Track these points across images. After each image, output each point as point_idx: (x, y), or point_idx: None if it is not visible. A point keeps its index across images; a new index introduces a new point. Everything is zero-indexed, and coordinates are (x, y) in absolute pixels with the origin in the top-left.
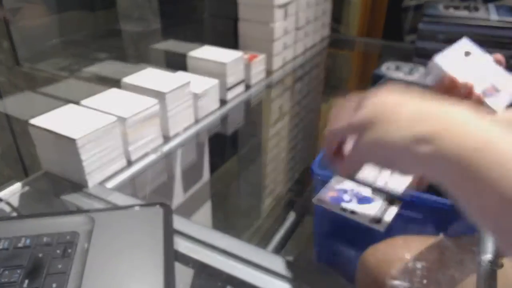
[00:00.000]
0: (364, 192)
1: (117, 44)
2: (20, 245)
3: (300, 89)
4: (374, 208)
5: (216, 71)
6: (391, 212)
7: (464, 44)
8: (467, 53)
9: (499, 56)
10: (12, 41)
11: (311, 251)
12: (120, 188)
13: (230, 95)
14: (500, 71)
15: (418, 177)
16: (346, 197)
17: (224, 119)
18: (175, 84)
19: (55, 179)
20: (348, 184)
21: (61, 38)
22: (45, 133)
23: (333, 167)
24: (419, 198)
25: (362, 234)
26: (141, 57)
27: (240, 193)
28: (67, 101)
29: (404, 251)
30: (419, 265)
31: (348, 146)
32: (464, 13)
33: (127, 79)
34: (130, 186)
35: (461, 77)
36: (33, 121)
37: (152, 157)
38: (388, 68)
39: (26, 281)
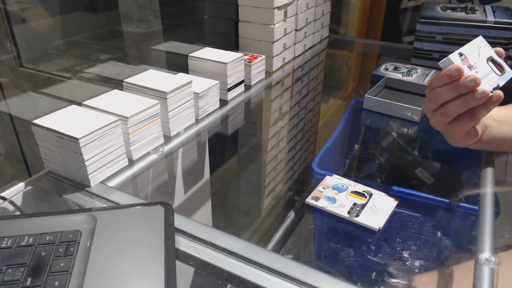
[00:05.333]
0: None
1: (119, 45)
2: (23, 243)
3: (299, 90)
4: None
5: (217, 71)
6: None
7: (479, 42)
8: (479, 51)
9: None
10: (15, 43)
11: (310, 249)
12: (121, 187)
13: (230, 95)
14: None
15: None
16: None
17: (224, 119)
18: (177, 84)
19: (57, 178)
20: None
21: (64, 40)
22: (48, 133)
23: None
24: (417, 197)
25: (360, 232)
26: (142, 58)
27: (240, 192)
28: (70, 102)
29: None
30: (417, 263)
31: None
32: (461, 14)
33: (129, 80)
34: (131, 185)
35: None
36: (36, 121)
37: (153, 157)
38: (386, 68)
39: (29, 279)
